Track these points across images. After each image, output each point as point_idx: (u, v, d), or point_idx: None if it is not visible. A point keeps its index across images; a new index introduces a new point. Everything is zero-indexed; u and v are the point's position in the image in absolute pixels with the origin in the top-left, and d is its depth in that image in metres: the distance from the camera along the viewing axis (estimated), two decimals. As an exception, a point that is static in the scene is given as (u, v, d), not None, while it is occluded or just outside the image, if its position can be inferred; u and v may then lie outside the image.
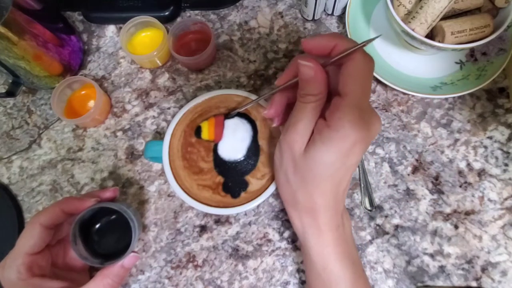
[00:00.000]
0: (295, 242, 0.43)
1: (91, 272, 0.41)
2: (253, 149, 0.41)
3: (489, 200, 0.44)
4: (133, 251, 0.36)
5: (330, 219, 0.34)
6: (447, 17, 0.43)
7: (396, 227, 0.44)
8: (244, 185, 0.40)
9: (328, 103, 0.32)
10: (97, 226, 0.38)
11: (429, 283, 0.42)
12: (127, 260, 0.36)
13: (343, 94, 0.30)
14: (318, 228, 0.34)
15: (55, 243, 0.38)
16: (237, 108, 0.41)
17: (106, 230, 0.38)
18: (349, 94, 0.30)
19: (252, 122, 0.42)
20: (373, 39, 0.31)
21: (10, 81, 0.46)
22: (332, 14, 0.52)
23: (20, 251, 0.34)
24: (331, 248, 0.34)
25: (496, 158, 0.45)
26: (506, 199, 0.44)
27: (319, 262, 0.34)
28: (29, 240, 0.34)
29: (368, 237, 0.43)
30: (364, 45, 0.30)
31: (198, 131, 0.42)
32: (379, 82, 0.48)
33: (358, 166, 0.44)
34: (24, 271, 0.33)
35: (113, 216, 0.38)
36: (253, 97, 0.43)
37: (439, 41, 0.41)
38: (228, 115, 0.41)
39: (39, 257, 0.35)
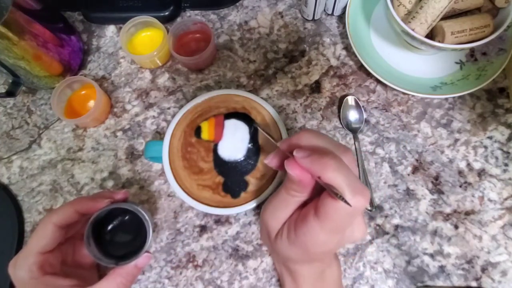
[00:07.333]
0: (295, 242, 0.43)
1: (99, 269, 0.41)
2: (253, 149, 0.41)
3: (489, 200, 0.44)
4: (147, 251, 0.36)
5: (308, 277, 0.36)
6: (447, 17, 0.43)
7: (396, 227, 0.44)
8: (244, 185, 0.40)
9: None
10: (110, 226, 0.38)
11: (429, 283, 0.42)
12: (141, 260, 0.36)
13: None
14: (296, 283, 0.37)
15: (64, 240, 0.38)
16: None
17: (119, 230, 0.38)
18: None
19: (252, 122, 0.42)
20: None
21: (10, 81, 0.46)
22: (332, 14, 0.52)
23: (32, 250, 0.34)
24: None
25: (496, 158, 0.45)
26: (506, 199, 0.44)
27: None
28: (41, 239, 0.34)
29: (368, 237, 0.43)
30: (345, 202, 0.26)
31: (198, 131, 0.42)
32: (379, 82, 0.48)
33: (358, 166, 0.44)
34: (36, 270, 0.33)
35: (126, 217, 0.38)
36: (253, 97, 0.43)
37: (439, 41, 0.41)
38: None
39: (50, 255, 0.35)
